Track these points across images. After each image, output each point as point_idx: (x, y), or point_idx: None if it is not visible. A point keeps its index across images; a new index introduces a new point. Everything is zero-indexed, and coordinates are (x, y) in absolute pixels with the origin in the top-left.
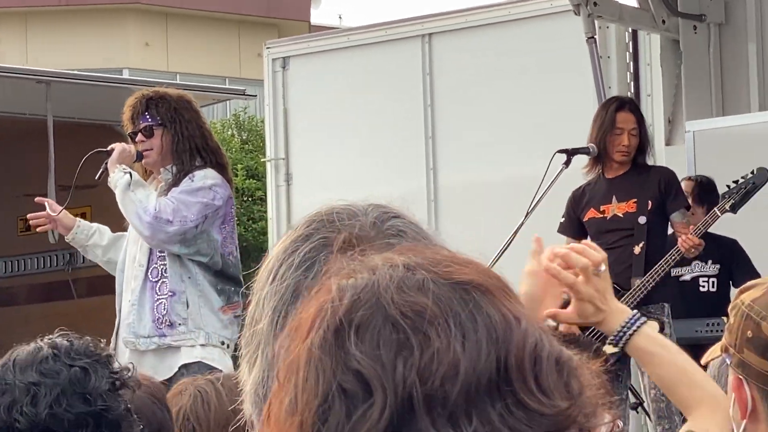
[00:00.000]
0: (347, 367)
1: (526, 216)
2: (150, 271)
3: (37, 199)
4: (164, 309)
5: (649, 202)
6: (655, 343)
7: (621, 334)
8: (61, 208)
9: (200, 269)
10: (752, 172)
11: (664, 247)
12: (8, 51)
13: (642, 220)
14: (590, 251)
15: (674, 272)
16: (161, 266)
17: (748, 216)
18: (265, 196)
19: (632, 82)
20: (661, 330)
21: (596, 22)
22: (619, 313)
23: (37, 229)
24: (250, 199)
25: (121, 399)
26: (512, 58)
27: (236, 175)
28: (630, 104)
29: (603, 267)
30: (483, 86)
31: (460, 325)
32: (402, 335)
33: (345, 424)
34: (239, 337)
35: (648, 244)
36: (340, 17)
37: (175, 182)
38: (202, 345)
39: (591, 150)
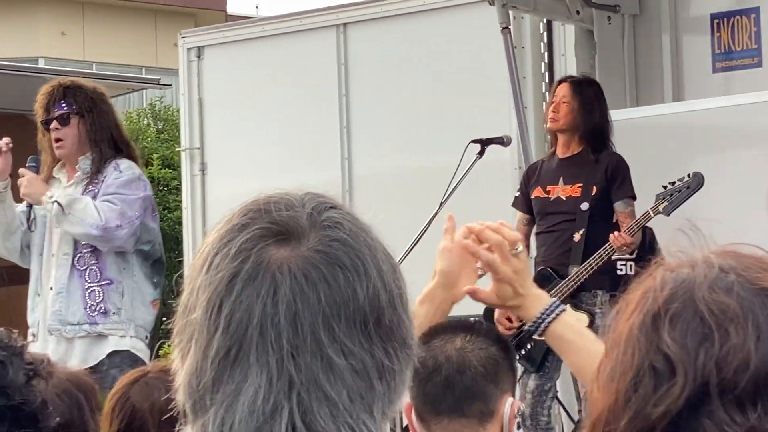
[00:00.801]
0: (658, 350)
1: (440, 206)
2: (77, 259)
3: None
4: (99, 296)
5: (594, 188)
6: (572, 330)
7: (540, 320)
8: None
9: (137, 260)
10: (688, 176)
11: (607, 235)
12: None
13: (584, 206)
14: (505, 230)
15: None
16: (87, 253)
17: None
18: (181, 185)
19: (546, 73)
20: (591, 323)
21: (510, 12)
22: (538, 299)
23: None
24: (165, 188)
25: (37, 391)
26: (427, 48)
27: (152, 165)
28: (573, 78)
29: (520, 247)
30: (398, 76)
31: (757, 327)
32: (706, 329)
33: (651, 396)
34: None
35: (588, 232)
36: (256, 7)
37: (97, 169)
38: (132, 336)
39: (505, 140)
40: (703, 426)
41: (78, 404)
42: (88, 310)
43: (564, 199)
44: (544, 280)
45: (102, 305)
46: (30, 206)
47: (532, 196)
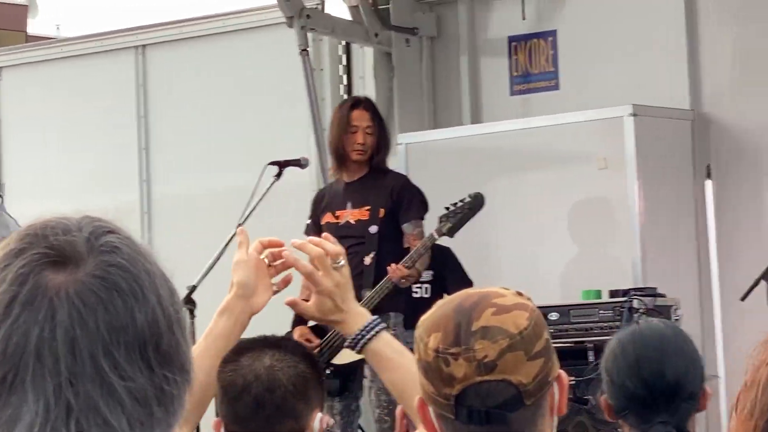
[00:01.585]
0: None
1: (237, 227)
2: None
3: None
4: None
5: (381, 210)
6: (392, 349)
7: (359, 337)
8: None
9: None
10: (469, 197)
11: (398, 257)
12: None
13: (373, 229)
14: (327, 243)
15: None
16: None
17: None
18: None
19: (345, 95)
20: None
21: (309, 34)
22: (359, 315)
23: None
24: None
25: None
26: (227, 69)
27: None
28: (366, 103)
29: (341, 261)
30: (198, 98)
31: None
32: None
33: None
34: None
35: (379, 255)
36: (57, 27)
37: None
38: None
39: (303, 162)
40: None
41: None
42: None
43: (353, 223)
44: None
45: None
46: None
47: (323, 222)
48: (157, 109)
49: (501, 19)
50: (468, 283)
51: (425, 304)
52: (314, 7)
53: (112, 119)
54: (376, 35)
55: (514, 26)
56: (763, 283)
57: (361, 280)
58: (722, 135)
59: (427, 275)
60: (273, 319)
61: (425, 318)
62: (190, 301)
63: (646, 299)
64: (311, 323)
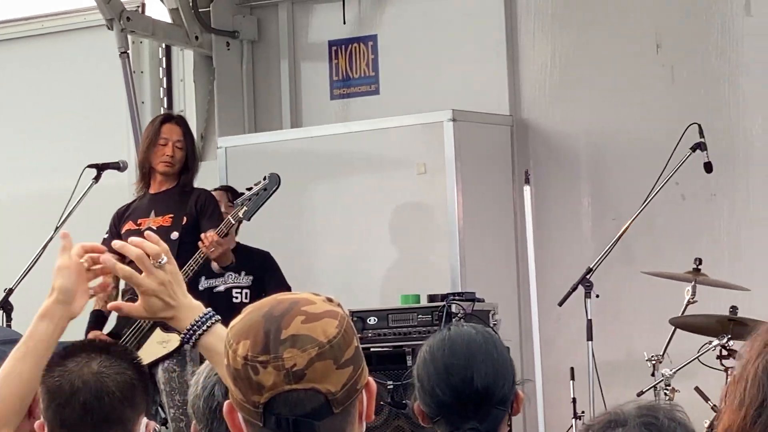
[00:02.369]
0: None
1: (55, 230)
2: None
3: None
4: None
5: (184, 218)
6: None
7: (191, 331)
8: None
9: None
10: (264, 178)
11: None
12: None
13: (174, 235)
14: (147, 243)
15: (208, 283)
16: None
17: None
18: None
19: (165, 98)
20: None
21: (129, 37)
22: (190, 310)
23: None
24: None
25: None
26: (47, 71)
27: None
28: (178, 119)
29: (164, 259)
30: (19, 99)
31: None
32: None
33: None
34: None
35: (179, 260)
36: None
37: None
38: None
39: (121, 165)
40: None
41: None
42: None
43: (155, 228)
44: None
45: None
46: None
47: (123, 231)
48: None
49: (321, 24)
50: (287, 288)
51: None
52: (134, 9)
53: None
54: (197, 38)
55: (334, 30)
56: (580, 288)
57: None
58: (541, 140)
59: (246, 280)
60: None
61: (234, 324)
62: (7, 304)
63: (465, 304)
64: (108, 329)
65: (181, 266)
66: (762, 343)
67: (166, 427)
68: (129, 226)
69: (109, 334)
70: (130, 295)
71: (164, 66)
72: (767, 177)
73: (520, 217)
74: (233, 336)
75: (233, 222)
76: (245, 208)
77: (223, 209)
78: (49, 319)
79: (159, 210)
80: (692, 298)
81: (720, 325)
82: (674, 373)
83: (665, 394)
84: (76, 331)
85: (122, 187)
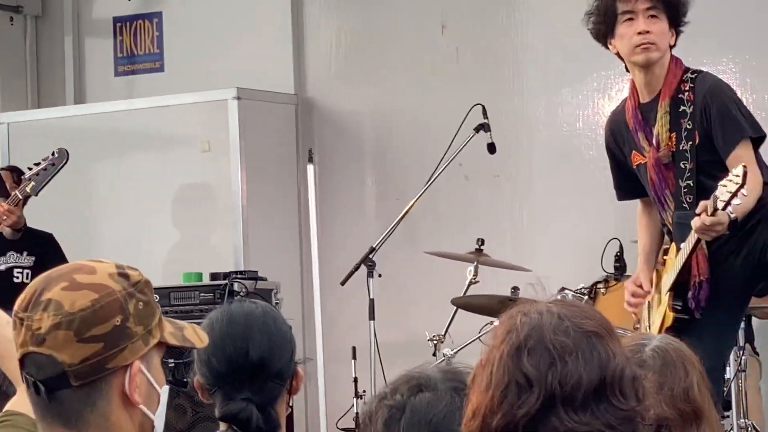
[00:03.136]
0: (520, 370)
1: None
2: None
3: None
4: None
5: None
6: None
7: None
8: None
9: None
10: (53, 154)
11: None
12: None
13: None
14: None
15: None
16: None
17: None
18: None
19: None
20: None
21: None
22: None
23: None
24: None
25: None
26: None
27: None
28: None
29: None
30: None
31: (583, 357)
32: (552, 358)
33: (516, 402)
34: None
35: None
36: None
37: None
38: None
39: None
40: (552, 423)
41: None
42: None
43: None
44: None
45: None
46: None
47: None
48: None
49: (106, 0)
50: None
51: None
52: None
53: None
54: None
55: (119, 7)
56: (363, 267)
57: None
58: (325, 120)
59: (28, 261)
60: None
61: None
62: None
63: (247, 282)
64: None
65: None
66: (505, 330)
67: None
68: None
69: None
70: None
71: None
72: (550, 159)
73: (303, 196)
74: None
75: (20, 197)
76: (32, 183)
77: (8, 189)
78: None
79: None
80: (474, 279)
81: (501, 306)
82: (455, 353)
83: None
84: None
85: None
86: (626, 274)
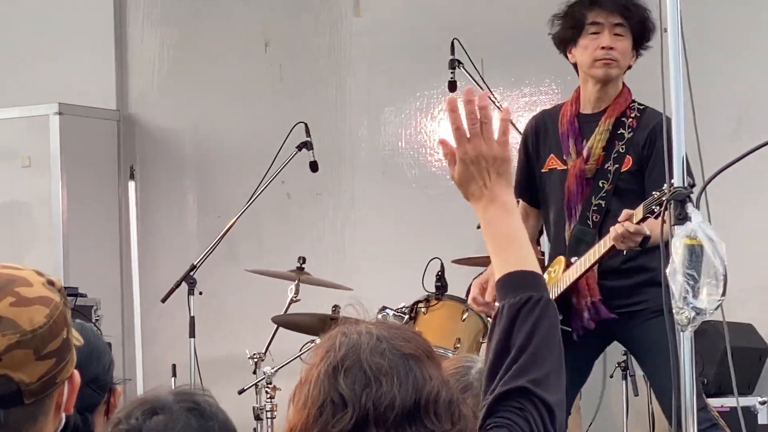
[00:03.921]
0: (336, 390)
1: None
2: None
3: None
4: None
5: None
6: None
7: None
8: None
9: None
10: None
11: None
12: None
13: None
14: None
15: None
16: None
17: None
18: None
19: None
20: None
21: None
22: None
23: None
24: None
25: None
26: None
27: None
28: None
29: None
30: None
31: (398, 379)
32: (367, 379)
33: (331, 420)
34: None
35: None
36: None
37: None
38: None
39: None
40: None
41: None
42: None
43: None
44: None
45: None
46: None
47: None
48: None
49: None
50: None
51: None
52: None
53: None
54: None
55: None
56: (184, 284)
57: None
58: (147, 136)
59: None
60: None
61: None
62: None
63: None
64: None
65: None
66: (324, 349)
67: None
68: None
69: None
70: None
71: None
72: (372, 177)
73: (125, 212)
74: None
75: None
76: None
77: None
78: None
79: None
80: (295, 297)
81: (322, 324)
82: (276, 371)
83: (266, 392)
84: None
85: None
86: (447, 293)
